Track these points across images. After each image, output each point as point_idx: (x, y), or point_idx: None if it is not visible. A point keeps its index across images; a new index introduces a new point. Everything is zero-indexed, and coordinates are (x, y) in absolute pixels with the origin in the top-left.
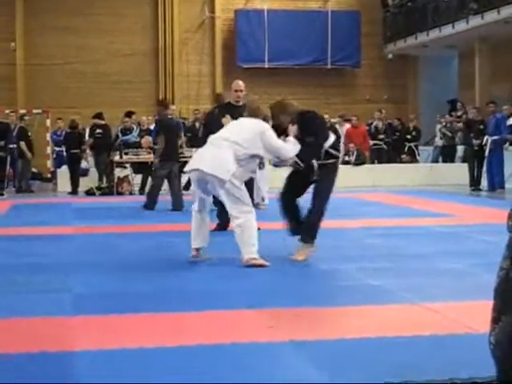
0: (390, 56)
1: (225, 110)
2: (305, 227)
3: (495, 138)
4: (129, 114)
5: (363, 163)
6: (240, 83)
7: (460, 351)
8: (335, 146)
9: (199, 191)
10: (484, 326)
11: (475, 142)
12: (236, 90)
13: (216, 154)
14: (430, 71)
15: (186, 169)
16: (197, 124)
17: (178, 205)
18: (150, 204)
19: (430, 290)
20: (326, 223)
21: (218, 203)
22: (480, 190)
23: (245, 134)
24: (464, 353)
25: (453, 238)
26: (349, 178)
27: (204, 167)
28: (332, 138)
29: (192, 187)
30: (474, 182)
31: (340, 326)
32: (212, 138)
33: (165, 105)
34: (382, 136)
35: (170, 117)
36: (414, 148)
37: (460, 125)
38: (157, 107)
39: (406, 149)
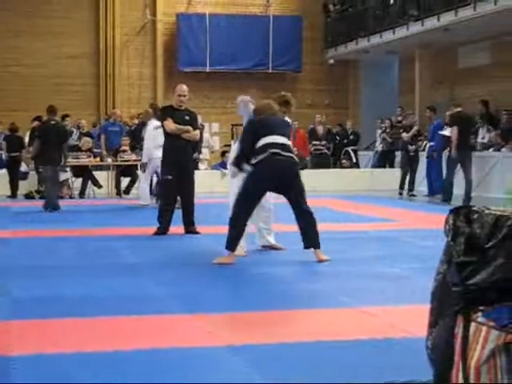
0: (331, 61)
1: (167, 114)
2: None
3: (431, 144)
4: (63, 118)
5: (304, 168)
6: (184, 88)
7: (397, 355)
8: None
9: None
10: (421, 330)
11: (410, 147)
12: (179, 95)
13: None
14: (370, 76)
15: None
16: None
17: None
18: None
19: (369, 294)
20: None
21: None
22: (414, 195)
23: None
24: (401, 357)
25: (392, 242)
26: None
27: None
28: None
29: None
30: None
31: (278, 330)
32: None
33: (51, 111)
34: (322, 142)
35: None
36: (352, 152)
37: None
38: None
39: (343, 153)
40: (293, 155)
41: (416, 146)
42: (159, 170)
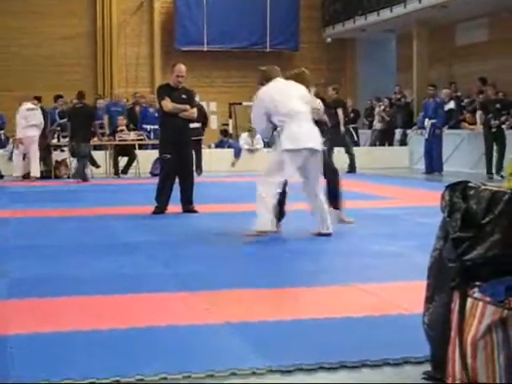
0: (329, 40)
1: (165, 93)
2: None
3: (433, 121)
4: (55, 98)
5: None
6: (183, 68)
7: (394, 332)
8: None
9: (294, 169)
10: (418, 307)
11: (493, 122)
12: (178, 75)
13: (308, 128)
14: (368, 55)
15: (292, 147)
16: (137, 108)
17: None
18: None
19: (365, 271)
20: None
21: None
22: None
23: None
24: (398, 333)
25: (390, 220)
26: None
27: (314, 144)
28: None
29: (287, 168)
30: (492, 169)
31: (275, 308)
32: (291, 113)
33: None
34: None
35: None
36: (353, 130)
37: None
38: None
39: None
40: None
41: (499, 120)
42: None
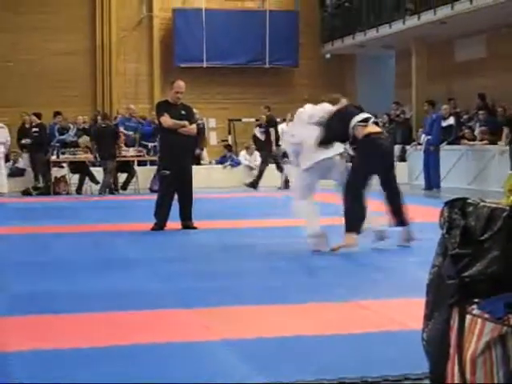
0: (328, 56)
1: (163, 109)
2: None
3: (429, 137)
4: (54, 115)
5: None
6: (182, 84)
7: (393, 348)
8: None
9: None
10: (417, 323)
11: None
12: (177, 92)
13: None
14: (367, 71)
15: (316, 160)
16: None
17: None
18: None
19: (365, 287)
20: (259, 222)
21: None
22: None
23: None
24: (397, 350)
25: (389, 235)
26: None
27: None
28: None
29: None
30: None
31: (274, 324)
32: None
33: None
34: None
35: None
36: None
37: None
38: None
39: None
40: None
41: None
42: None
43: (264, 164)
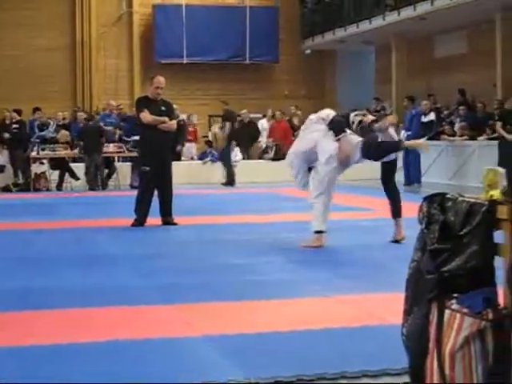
0: (308, 51)
1: (143, 105)
2: None
3: (409, 133)
4: (34, 111)
5: (282, 158)
6: (162, 80)
7: (373, 343)
8: None
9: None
10: (397, 318)
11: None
12: (157, 87)
13: None
14: (347, 66)
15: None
16: None
17: None
18: None
19: (344, 282)
20: (239, 218)
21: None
22: None
23: None
24: (377, 345)
25: (370, 231)
26: (267, 173)
27: None
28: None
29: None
30: None
31: (254, 320)
32: None
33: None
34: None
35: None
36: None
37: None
38: None
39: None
40: None
41: None
42: None
43: (227, 160)
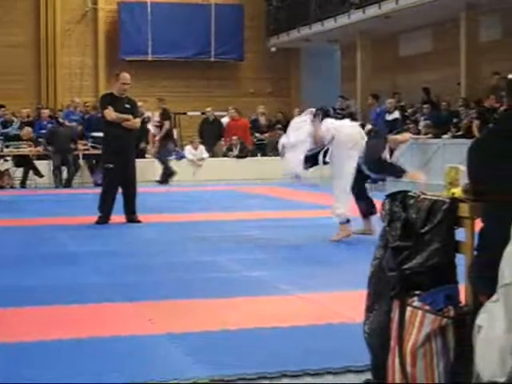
0: (273, 49)
1: (107, 102)
2: None
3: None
4: None
5: (246, 156)
6: (127, 76)
7: (336, 341)
8: None
9: None
10: (360, 316)
11: None
12: (124, 83)
13: None
14: (312, 64)
15: None
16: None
17: None
18: None
19: (308, 280)
20: (203, 216)
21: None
22: None
23: None
24: (340, 342)
25: (332, 229)
26: (231, 171)
27: None
28: None
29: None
30: None
31: (219, 318)
32: None
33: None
34: (266, 133)
35: None
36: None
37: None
38: None
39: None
40: None
41: None
42: None
43: (164, 158)
